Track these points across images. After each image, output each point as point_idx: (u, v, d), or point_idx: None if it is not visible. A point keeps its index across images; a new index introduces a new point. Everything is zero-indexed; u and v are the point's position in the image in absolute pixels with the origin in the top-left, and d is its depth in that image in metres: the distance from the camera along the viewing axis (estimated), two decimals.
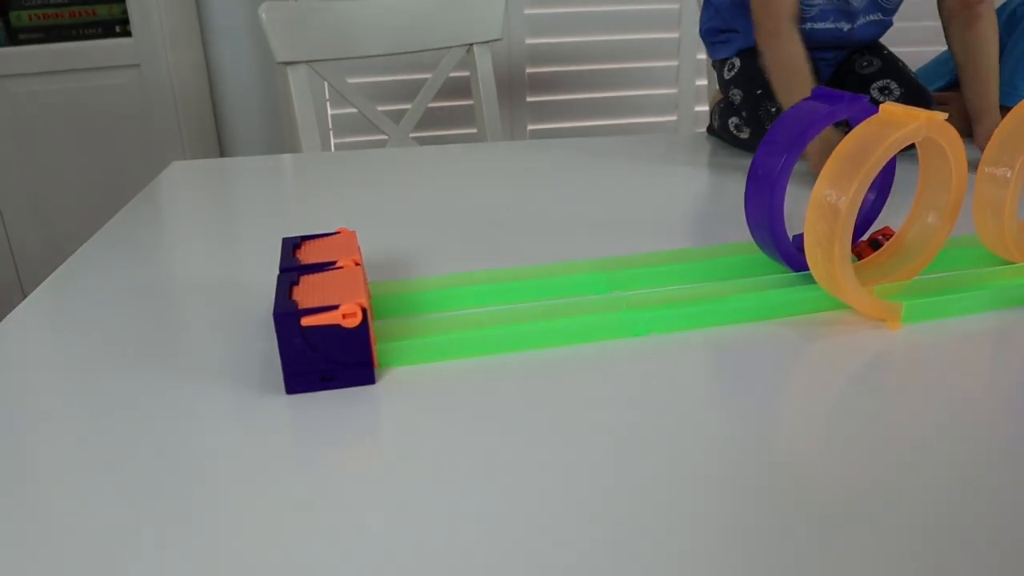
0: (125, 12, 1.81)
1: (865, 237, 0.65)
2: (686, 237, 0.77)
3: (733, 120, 1.05)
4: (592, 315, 0.55)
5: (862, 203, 0.64)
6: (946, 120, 0.53)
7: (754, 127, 1.03)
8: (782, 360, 0.52)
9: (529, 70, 2.27)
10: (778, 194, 0.57)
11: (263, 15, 1.30)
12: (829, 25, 1.04)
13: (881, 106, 0.53)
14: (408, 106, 1.47)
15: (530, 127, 2.31)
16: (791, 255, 0.59)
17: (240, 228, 0.85)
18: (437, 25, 1.44)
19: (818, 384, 0.51)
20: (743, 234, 0.65)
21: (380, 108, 1.49)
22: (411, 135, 1.47)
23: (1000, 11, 1.18)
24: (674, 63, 2.32)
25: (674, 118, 2.32)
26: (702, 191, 0.91)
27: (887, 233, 0.64)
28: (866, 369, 0.52)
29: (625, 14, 2.27)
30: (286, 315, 0.47)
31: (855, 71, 1.08)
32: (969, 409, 0.46)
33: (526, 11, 2.22)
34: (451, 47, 1.44)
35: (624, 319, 0.54)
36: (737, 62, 1.09)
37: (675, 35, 2.24)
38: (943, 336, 0.55)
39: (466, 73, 1.49)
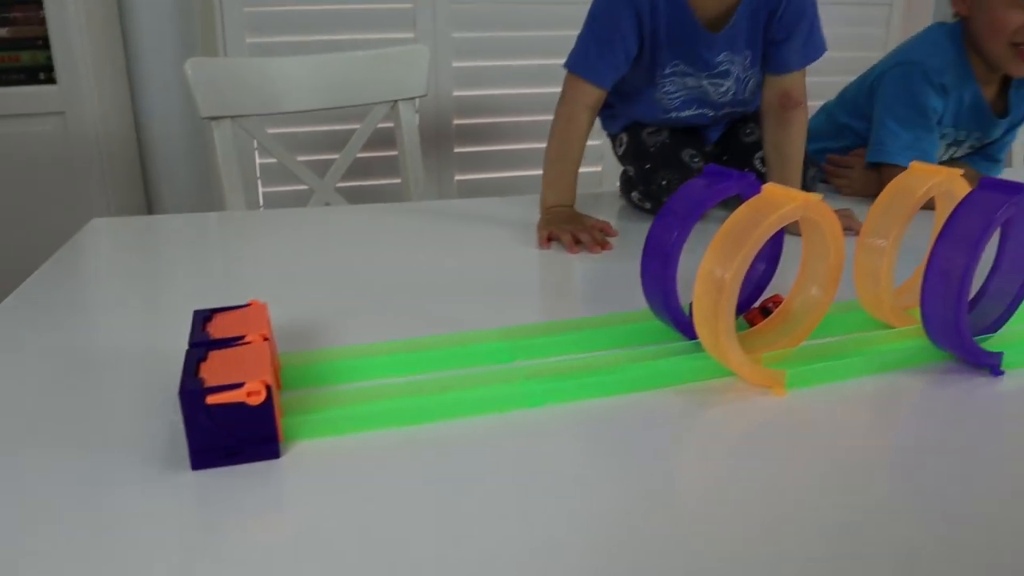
0: (50, 59, 1.79)
1: (757, 304, 0.69)
2: (590, 303, 0.80)
3: (634, 194, 1.10)
4: (492, 386, 0.57)
5: (754, 272, 0.68)
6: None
7: (652, 200, 1.08)
8: (674, 427, 0.55)
9: (456, 121, 2.31)
10: (671, 267, 0.61)
11: (188, 71, 1.31)
12: (693, 112, 1.10)
13: (763, 187, 0.58)
14: (336, 156, 1.49)
15: (457, 177, 2.35)
16: (685, 324, 0.63)
17: (158, 292, 0.85)
18: (363, 82, 1.47)
19: (706, 450, 0.54)
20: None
21: (307, 158, 1.51)
22: (338, 185, 1.48)
23: (863, 78, 1.28)
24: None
25: (598, 169, 2.38)
26: (609, 255, 0.95)
27: (777, 300, 0.68)
28: (751, 435, 0.55)
29: (551, 68, 2.34)
30: (192, 393, 0.48)
31: (739, 138, 1.15)
32: (846, 469, 0.50)
33: (454, 63, 2.27)
34: (376, 103, 1.47)
35: (522, 390, 0.57)
36: (625, 138, 1.15)
37: None
38: (825, 400, 0.59)
39: (392, 124, 1.52)
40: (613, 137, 1.19)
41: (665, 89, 1.06)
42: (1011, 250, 0.66)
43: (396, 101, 1.49)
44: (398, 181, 1.56)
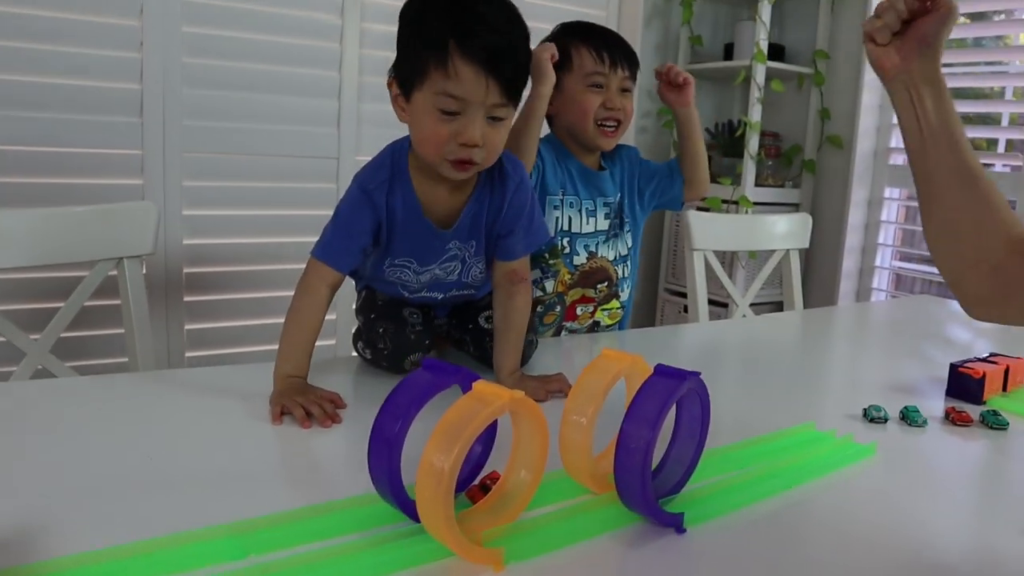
0: None
1: (476, 482, 0.75)
2: (326, 484, 0.82)
3: (359, 343, 1.17)
4: None
5: (472, 453, 0.74)
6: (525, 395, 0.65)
7: (371, 348, 1.14)
8: None
9: (187, 270, 2.26)
10: (396, 457, 0.65)
11: None
12: (424, 295, 1.19)
13: (474, 384, 0.64)
14: (61, 304, 1.39)
15: (187, 327, 2.28)
16: (412, 509, 0.67)
17: None
18: (86, 239, 1.41)
19: None
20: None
21: (28, 306, 1.40)
22: (61, 335, 1.38)
23: None
24: None
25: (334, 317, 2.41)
26: (343, 429, 0.97)
27: (494, 477, 0.74)
28: None
29: (283, 219, 2.37)
30: None
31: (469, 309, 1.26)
32: None
33: (184, 212, 2.23)
34: (99, 261, 1.42)
35: None
36: (364, 293, 1.24)
37: None
38: (539, 571, 0.65)
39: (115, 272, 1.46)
40: (357, 292, 1.26)
41: (398, 275, 1.14)
42: (685, 423, 0.78)
43: (121, 258, 1.44)
44: (121, 331, 1.48)
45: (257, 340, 2.34)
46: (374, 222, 1.08)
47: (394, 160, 1.08)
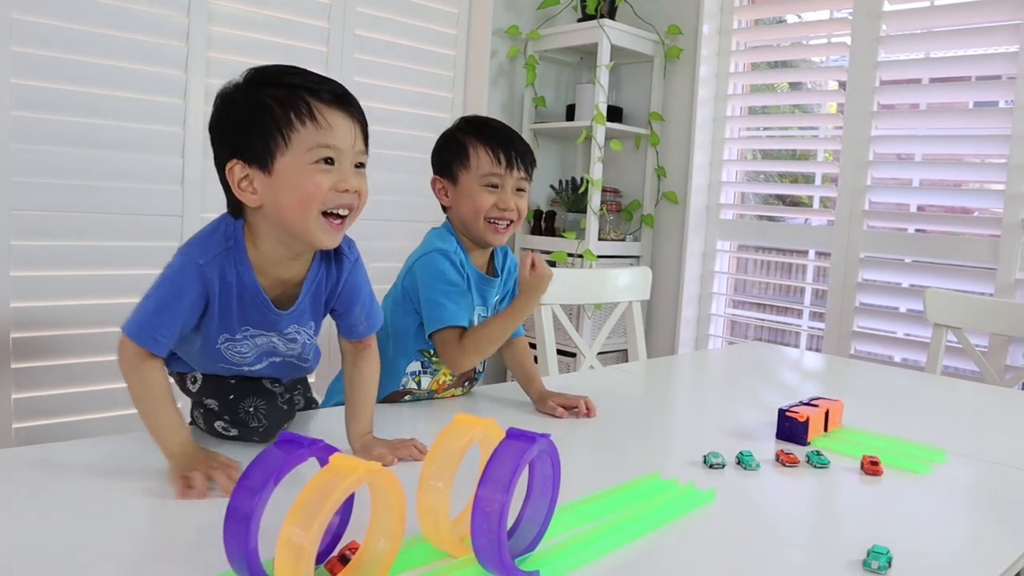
0: None
1: (335, 553, 0.75)
2: (179, 566, 0.80)
3: (219, 424, 1.12)
4: None
5: (330, 525, 0.74)
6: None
7: (241, 427, 1.12)
8: None
9: (14, 335, 2.12)
10: (252, 533, 0.65)
11: None
12: (265, 365, 1.15)
13: (331, 457, 0.65)
14: None
15: (15, 396, 2.13)
16: None
17: None
18: None
19: None
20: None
21: None
22: None
23: (394, 288, 1.47)
24: None
25: None
26: (190, 510, 0.95)
27: (353, 547, 0.74)
28: None
29: (118, 278, 2.27)
30: None
31: None
32: None
33: (12, 273, 2.10)
34: None
35: None
36: (199, 375, 1.16)
37: None
38: None
39: None
40: (182, 375, 1.18)
41: (236, 349, 1.10)
42: (537, 482, 0.81)
43: None
44: None
45: (95, 407, 2.22)
46: (202, 298, 1.02)
47: (227, 235, 1.04)
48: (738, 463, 1.15)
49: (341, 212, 1.01)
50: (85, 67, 2.18)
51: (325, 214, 1.00)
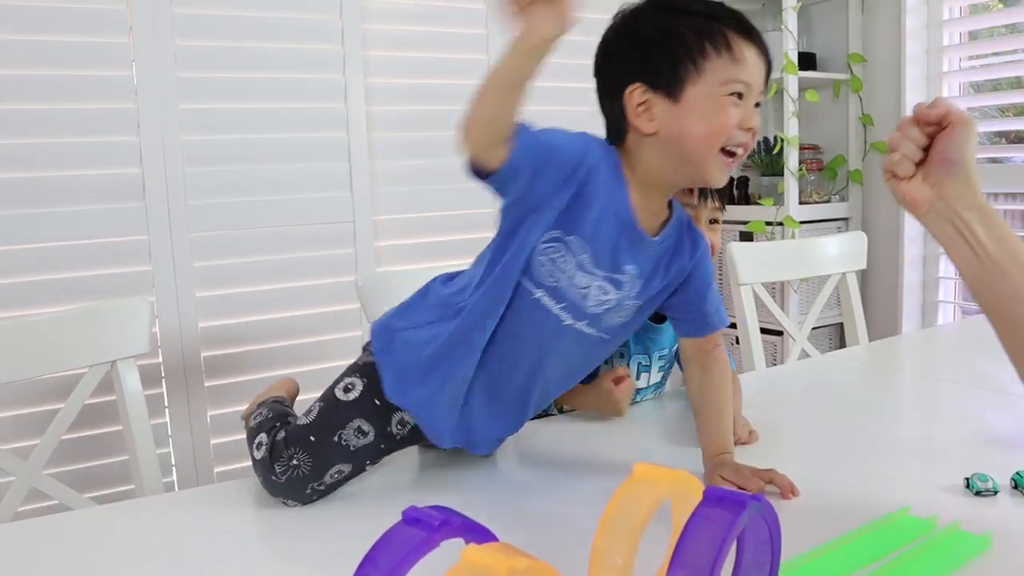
0: None
1: None
2: None
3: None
4: None
5: None
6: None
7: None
8: None
9: (205, 354, 2.15)
10: None
11: None
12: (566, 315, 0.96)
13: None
14: (36, 441, 1.28)
15: (211, 412, 2.16)
16: None
17: None
18: (71, 344, 1.29)
19: None
20: None
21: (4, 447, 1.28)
22: (46, 472, 1.26)
23: None
24: (356, 333, 2.32)
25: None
26: None
27: None
28: None
29: (293, 291, 2.25)
30: None
31: None
32: None
33: (198, 294, 2.13)
34: (88, 367, 1.29)
35: None
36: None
37: (355, 306, 2.22)
38: None
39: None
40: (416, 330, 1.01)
41: (548, 272, 0.92)
42: (749, 553, 0.61)
43: (115, 361, 1.31)
44: (125, 457, 1.35)
45: None
46: (572, 168, 0.89)
47: (606, 150, 0.93)
48: (1015, 487, 0.89)
49: (737, 150, 0.92)
50: (245, 83, 2.16)
51: (723, 150, 0.91)
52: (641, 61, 0.91)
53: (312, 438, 0.97)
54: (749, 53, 0.90)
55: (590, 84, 0.98)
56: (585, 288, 0.93)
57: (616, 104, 0.93)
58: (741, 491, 0.57)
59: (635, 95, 0.91)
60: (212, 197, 2.13)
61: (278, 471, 0.95)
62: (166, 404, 2.11)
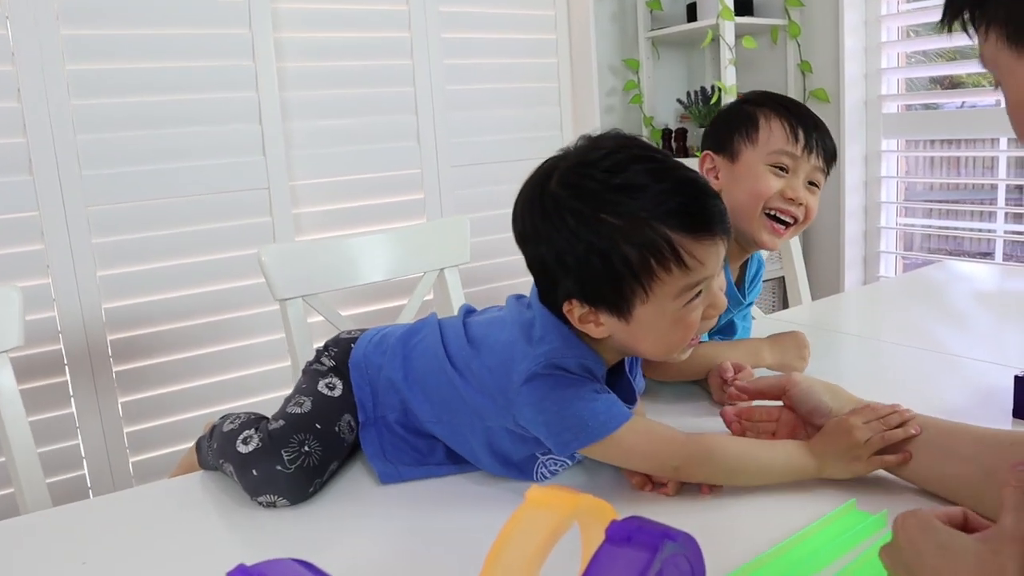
0: None
1: None
2: None
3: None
4: None
5: None
6: None
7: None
8: None
9: (111, 336, 2.00)
10: None
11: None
12: None
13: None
14: None
15: (121, 399, 2.02)
16: None
17: None
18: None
19: None
20: None
21: None
22: None
23: None
24: (276, 307, 2.18)
25: None
26: None
27: None
28: None
29: (210, 264, 2.10)
30: None
31: None
32: None
33: (99, 273, 1.96)
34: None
35: None
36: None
37: None
38: None
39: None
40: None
41: None
42: None
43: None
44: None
45: (201, 403, 2.08)
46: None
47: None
48: None
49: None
50: (139, 40, 1.98)
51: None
52: (575, 281, 0.78)
53: (318, 425, 0.89)
54: (705, 247, 0.77)
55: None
56: None
57: (552, 299, 0.82)
58: (653, 525, 0.46)
59: (575, 308, 0.80)
60: (109, 167, 1.96)
61: (286, 459, 0.84)
62: (71, 393, 1.95)
